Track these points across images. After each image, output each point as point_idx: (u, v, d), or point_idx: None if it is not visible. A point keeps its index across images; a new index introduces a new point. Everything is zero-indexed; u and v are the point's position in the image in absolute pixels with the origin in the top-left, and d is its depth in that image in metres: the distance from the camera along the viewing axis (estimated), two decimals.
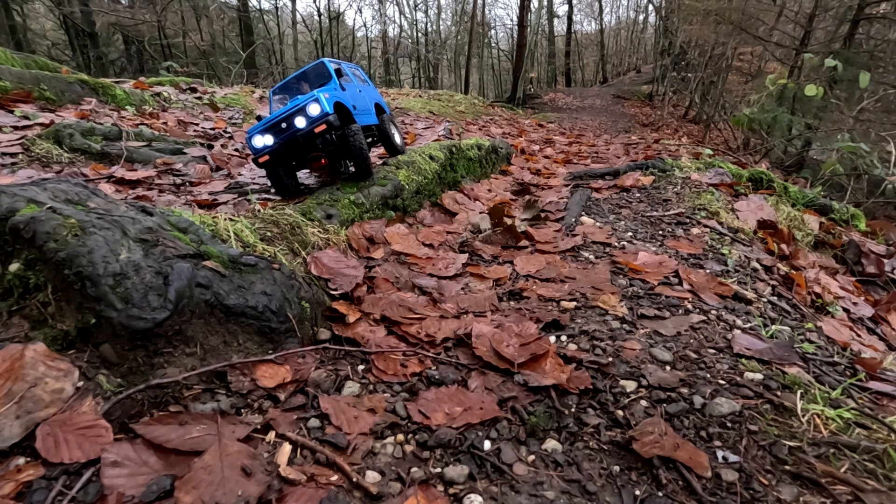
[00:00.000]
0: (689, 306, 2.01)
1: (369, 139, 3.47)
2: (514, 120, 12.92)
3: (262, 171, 3.62)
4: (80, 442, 1.10)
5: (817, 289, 2.64)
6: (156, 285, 1.36)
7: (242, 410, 1.35)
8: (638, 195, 3.85)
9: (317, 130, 2.60)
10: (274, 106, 3.32)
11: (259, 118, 2.98)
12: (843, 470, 1.18)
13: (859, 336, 2.38)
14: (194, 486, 1.04)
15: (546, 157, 6.37)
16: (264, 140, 2.67)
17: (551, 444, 1.30)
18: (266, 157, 2.65)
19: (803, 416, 1.35)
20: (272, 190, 3.06)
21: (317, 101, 2.61)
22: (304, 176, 3.54)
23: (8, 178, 2.61)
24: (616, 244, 2.76)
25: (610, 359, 1.63)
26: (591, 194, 3.93)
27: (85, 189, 1.69)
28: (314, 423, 1.33)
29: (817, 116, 8.38)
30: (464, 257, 2.61)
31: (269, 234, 2.11)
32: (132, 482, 1.06)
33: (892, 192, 5.23)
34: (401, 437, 1.31)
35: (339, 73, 3.10)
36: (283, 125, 2.64)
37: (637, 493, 1.16)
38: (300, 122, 2.62)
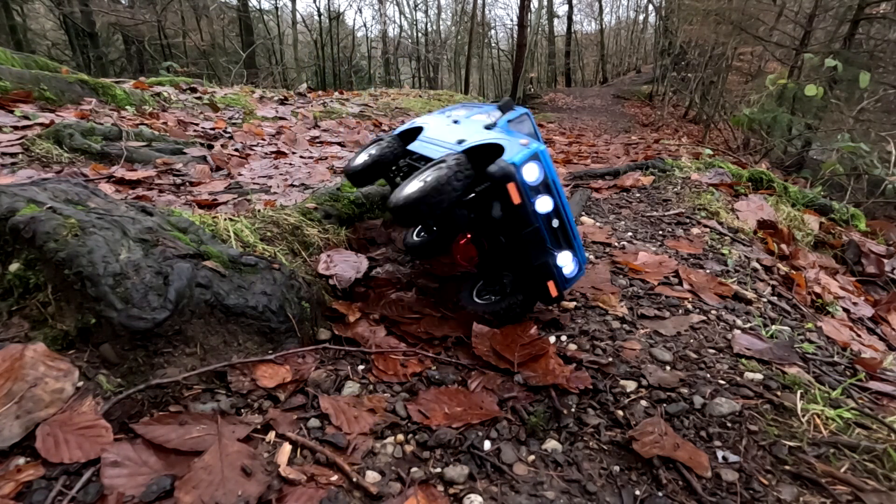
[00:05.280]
0: (689, 306, 2.01)
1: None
2: None
3: (262, 172, 3.60)
4: (80, 442, 1.10)
5: (817, 289, 2.64)
6: (156, 285, 1.36)
7: (242, 410, 1.35)
8: (638, 195, 3.85)
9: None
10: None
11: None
12: (843, 470, 1.18)
13: (859, 336, 2.38)
14: (194, 486, 1.04)
15: None
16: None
17: (551, 444, 1.30)
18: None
19: (803, 416, 1.35)
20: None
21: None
22: None
23: (8, 178, 2.60)
24: (616, 244, 2.76)
25: (610, 359, 1.63)
26: (591, 194, 3.93)
27: (85, 189, 1.69)
28: (314, 423, 1.33)
29: (817, 116, 8.38)
30: None
31: (269, 234, 2.11)
32: (132, 482, 1.06)
33: (892, 192, 5.23)
34: (401, 437, 1.31)
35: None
36: None
37: (637, 493, 1.16)
38: None
